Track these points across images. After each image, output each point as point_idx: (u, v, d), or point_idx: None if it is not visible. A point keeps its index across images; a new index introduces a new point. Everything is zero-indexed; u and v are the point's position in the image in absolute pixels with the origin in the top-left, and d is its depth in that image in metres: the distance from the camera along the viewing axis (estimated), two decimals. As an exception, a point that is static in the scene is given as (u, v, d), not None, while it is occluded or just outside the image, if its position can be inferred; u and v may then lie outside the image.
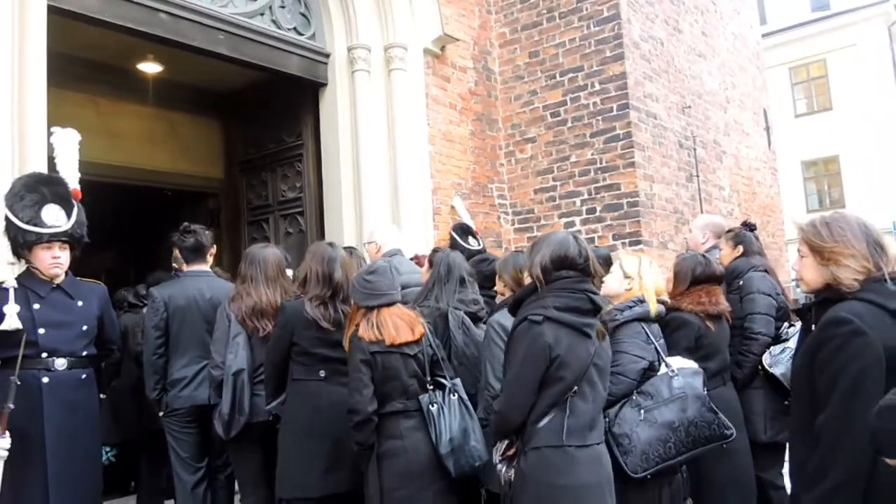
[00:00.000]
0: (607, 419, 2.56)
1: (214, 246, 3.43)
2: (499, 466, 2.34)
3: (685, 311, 3.07)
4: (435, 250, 3.33)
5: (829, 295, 1.85)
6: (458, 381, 2.71)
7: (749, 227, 3.93)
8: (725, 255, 4.02)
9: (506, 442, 2.31)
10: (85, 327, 2.92)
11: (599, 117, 5.74)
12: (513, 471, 2.26)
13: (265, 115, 5.89)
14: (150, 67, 5.93)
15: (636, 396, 2.59)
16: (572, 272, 2.23)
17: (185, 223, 3.41)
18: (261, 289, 3.03)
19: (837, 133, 19.91)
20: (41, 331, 2.76)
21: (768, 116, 8.65)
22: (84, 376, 2.89)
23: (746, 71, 8.14)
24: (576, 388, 2.17)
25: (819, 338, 1.79)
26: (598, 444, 2.24)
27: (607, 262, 3.87)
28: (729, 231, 4.19)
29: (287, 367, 2.89)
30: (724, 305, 3.17)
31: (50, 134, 3.16)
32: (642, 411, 2.53)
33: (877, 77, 19.87)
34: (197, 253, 3.33)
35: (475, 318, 3.02)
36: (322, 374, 2.80)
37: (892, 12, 20.00)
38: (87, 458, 2.89)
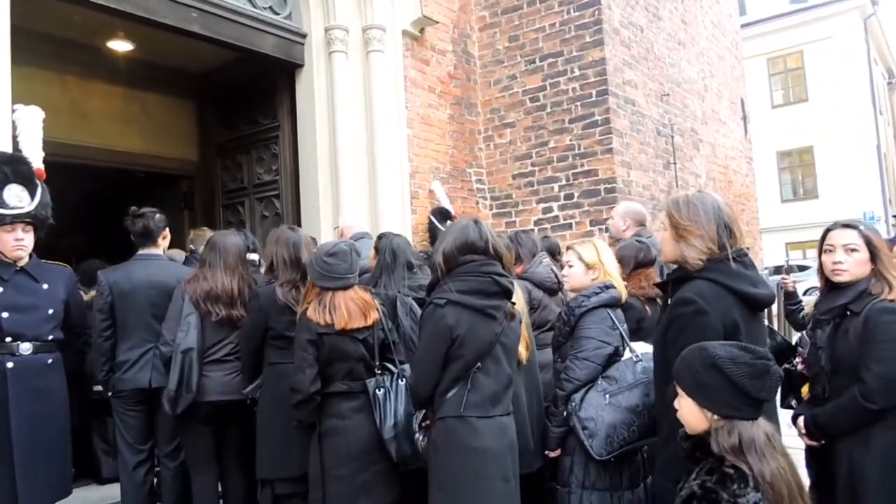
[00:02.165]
0: (573, 403, 2.60)
1: (167, 229, 3.38)
2: (417, 435, 2.49)
3: (629, 296, 3.11)
4: (380, 237, 3.34)
5: (680, 273, 2.04)
6: (406, 366, 2.74)
7: None
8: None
9: (422, 413, 2.47)
10: (51, 311, 2.86)
11: (578, 103, 5.74)
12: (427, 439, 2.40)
13: (240, 97, 5.77)
14: (120, 46, 5.76)
15: (601, 381, 2.63)
16: (476, 256, 2.33)
17: (134, 207, 3.35)
18: (218, 275, 3.04)
19: (812, 124, 20.22)
20: (4, 315, 2.71)
21: (745, 106, 8.73)
22: (50, 361, 2.85)
23: (725, 60, 8.19)
24: (479, 364, 2.29)
25: (670, 315, 1.98)
26: (502, 415, 2.35)
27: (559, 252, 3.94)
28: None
29: (262, 353, 2.95)
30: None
31: (12, 111, 3.06)
32: (607, 395, 2.58)
33: (852, 70, 20.19)
34: (146, 237, 3.29)
35: (423, 304, 3.03)
36: None
37: (867, 6, 20.30)
38: (56, 445, 2.84)
